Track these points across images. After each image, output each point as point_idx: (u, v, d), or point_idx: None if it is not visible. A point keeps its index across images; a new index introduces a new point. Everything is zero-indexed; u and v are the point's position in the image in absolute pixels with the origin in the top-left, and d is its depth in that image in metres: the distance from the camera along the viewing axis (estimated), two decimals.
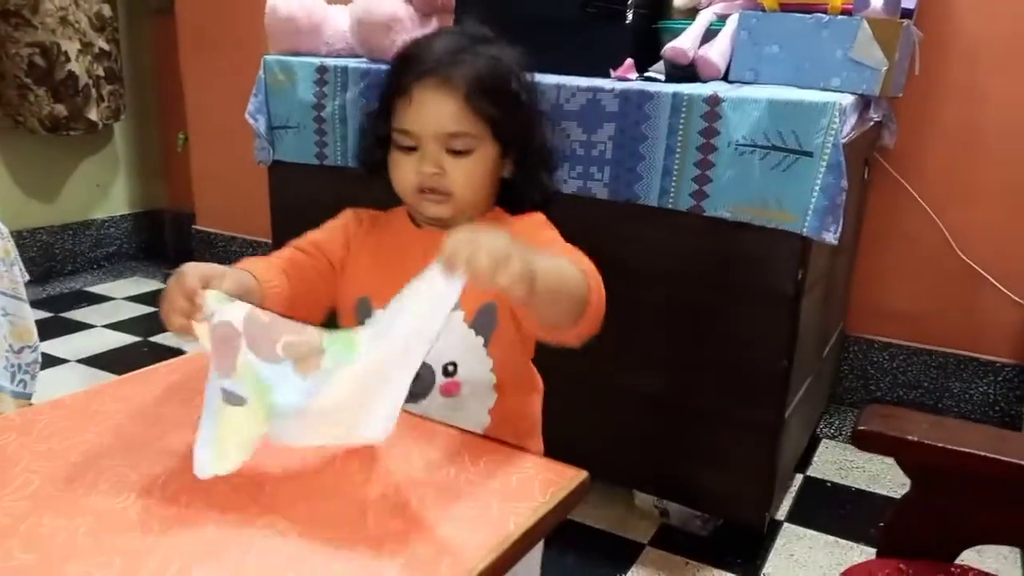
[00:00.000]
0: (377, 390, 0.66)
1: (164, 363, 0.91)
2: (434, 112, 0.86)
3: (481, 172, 0.90)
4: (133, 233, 3.35)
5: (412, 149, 0.88)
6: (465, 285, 0.65)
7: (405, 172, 0.89)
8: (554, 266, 0.75)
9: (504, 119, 0.88)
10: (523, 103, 0.92)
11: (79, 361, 2.37)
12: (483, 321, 0.91)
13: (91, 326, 2.65)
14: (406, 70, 0.89)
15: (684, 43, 1.49)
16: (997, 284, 1.95)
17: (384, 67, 1.65)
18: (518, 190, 0.94)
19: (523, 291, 0.67)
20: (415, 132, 0.87)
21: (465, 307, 0.89)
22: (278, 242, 1.99)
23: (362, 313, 0.92)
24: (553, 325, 0.80)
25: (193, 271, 0.70)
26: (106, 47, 2.95)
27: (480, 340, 0.91)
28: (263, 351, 0.68)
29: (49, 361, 2.15)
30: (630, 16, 1.54)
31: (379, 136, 0.92)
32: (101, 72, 2.93)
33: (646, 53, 1.54)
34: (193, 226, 3.12)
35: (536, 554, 0.96)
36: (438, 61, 0.87)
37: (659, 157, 1.41)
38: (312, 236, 0.96)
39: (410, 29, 1.68)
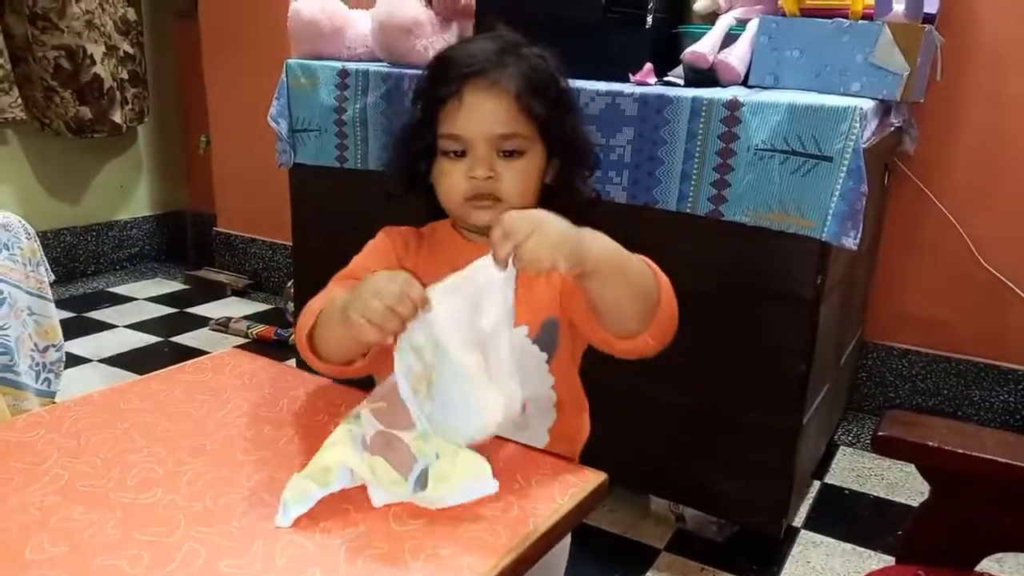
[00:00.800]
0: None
1: (188, 362, 0.93)
2: (485, 114, 0.84)
3: (532, 174, 0.87)
4: (155, 234, 3.39)
5: (461, 155, 0.85)
6: (514, 268, 0.69)
7: (455, 180, 0.86)
8: (612, 246, 0.75)
9: (552, 119, 0.87)
10: (568, 103, 0.91)
11: (101, 361, 2.40)
12: (546, 337, 0.89)
13: (113, 326, 2.68)
14: (450, 75, 0.85)
15: (704, 47, 1.50)
16: (1019, 291, 1.94)
17: (405, 71, 1.69)
18: (560, 195, 0.91)
19: (569, 262, 0.69)
20: (466, 136, 0.84)
21: (528, 322, 0.87)
22: (298, 244, 2.03)
23: None
24: (622, 322, 0.79)
25: (412, 284, 0.69)
26: (130, 50, 2.99)
27: (544, 356, 0.89)
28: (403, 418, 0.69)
29: (72, 360, 2.18)
30: (650, 20, 1.54)
31: (421, 148, 0.88)
32: (125, 75, 2.97)
33: (666, 57, 1.54)
34: (214, 228, 3.15)
35: (563, 552, 0.96)
36: (485, 62, 0.85)
37: (678, 161, 1.41)
38: (364, 262, 0.91)
39: (431, 33, 1.69)
